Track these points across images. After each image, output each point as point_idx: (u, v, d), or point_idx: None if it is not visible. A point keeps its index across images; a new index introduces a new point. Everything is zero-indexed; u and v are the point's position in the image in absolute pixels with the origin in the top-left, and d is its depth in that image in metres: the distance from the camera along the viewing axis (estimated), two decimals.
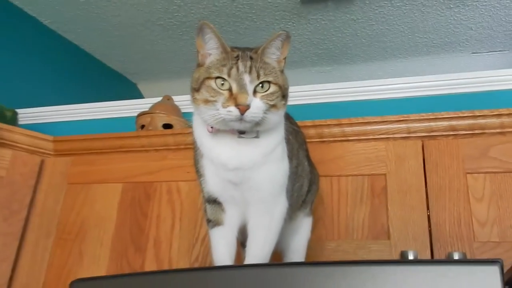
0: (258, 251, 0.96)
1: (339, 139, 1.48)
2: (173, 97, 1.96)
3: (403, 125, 1.43)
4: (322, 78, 3.11)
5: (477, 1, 2.40)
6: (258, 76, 0.89)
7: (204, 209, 1.04)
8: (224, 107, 0.87)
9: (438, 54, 2.87)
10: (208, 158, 0.98)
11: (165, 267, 1.45)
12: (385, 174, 1.38)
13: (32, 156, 1.67)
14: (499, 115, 1.37)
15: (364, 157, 1.42)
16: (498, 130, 1.37)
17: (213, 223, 1.01)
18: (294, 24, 2.69)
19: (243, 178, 0.94)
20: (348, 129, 1.47)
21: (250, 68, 0.89)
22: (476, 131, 1.39)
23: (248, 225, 0.99)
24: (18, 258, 1.56)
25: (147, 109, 1.88)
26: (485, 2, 2.40)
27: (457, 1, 2.41)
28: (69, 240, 1.57)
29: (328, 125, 1.48)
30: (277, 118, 0.93)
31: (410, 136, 1.42)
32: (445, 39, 2.73)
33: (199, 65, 0.96)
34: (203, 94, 0.90)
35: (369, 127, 1.45)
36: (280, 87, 0.92)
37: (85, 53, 2.99)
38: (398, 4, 2.47)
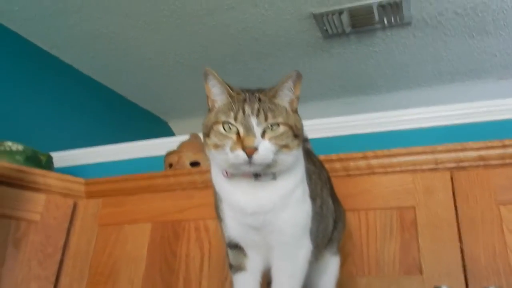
0: None
1: (365, 172, 1.46)
2: (200, 134, 1.99)
3: (430, 156, 1.40)
4: (347, 110, 3.10)
5: (500, 28, 2.39)
6: (266, 118, 0.88)
7: (226, 254, 1.03)
8: (232, 151, 0.86)
9: (463, 82, 2.86)
10: (226, 203, 0.97)
11: None
12: (414, 207, 1.36)
13: (65, 199, 1.71)
14: None
15: (392, 190, 1.40)
16: None
17: (236, 268, 0.99)
18: (317, 58, 2.73)
19: (263, 222, 0.93)
20: (374, 162, 1.45)
21: (258, 110, 0.88)
22: (507, 161, 1.34)
23: (272, 270, 0.97)
24: None
25: (175, 148, 1.92)
26: (508, 29, 2.39)
27: (480, 30, 2.41)
28: (101, 282, 1.59)
29: (354, 158, 1.47)
30: (291, 158, 0.90)
31: (438, 167, 1.39)
32: (470, 66, 2.72)
33: (210, 110, 0.96)
34: (213, 139, 0.90)
35: (395, 159, 1.43)
36: (291, 127, 0.90)
37: (118, 95, 3.14)
38: (420, 35, 2.48)
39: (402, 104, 2.96)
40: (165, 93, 3.15)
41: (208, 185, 1.57)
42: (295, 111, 0.95)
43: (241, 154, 0.85)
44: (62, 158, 2.23)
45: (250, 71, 2.84)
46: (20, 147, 1.81)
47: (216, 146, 0.90)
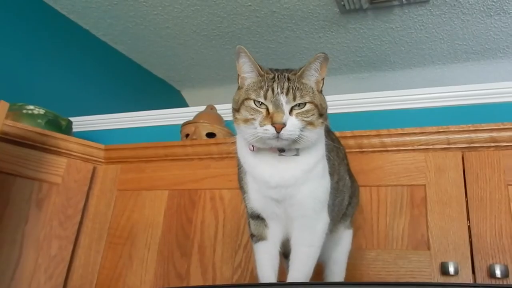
0: (301, 267, 0.99)
1: (378, 149, 1.50)
2: (215, 106, 2.03)
3: (442, 136, 1.44)
4: (360, 85, 3.13)
5: None
6: (295, 98, 0.92)
7: (248, 224, 1.08)
8: (261, 125, 0.91)
9: (477, 61, 2.85)
10: (251, 176, 1.01)
11: (209, 272, 1.52)
12: (424, 185, 1.40)
13: (85, 164, 1.77)
14: None
15: (404, 168, 1.44)
16: None
17: (257, 237, 1.04)
18: (333, 33, 2.73)
19: (285, 195, 0.97)
20: (387, 140, 1.49)
21: (287, 89, 0.92)
22: None
23: (291, 241, 1.02)
24: (73, 260, 1.67)
25: (191, 118, 1.95)
26: None
27: (497, 9, 2.39)
28: (119, 244, 1.66)
29: (368, 136, 1.51)
30: (314, 135, 0.95)
31: (450, 147, 1.43)
32: (485, 46, 2.70)
33: (240, 87, 1.00)
34: (243, 113, 0.94)
35: (408, 138, 1.47)
36: (316, 106, 0.94)
37: (133, 62, 3.16)
38: (437, 13, 2.47)
39: (415, 81, 2.97)
40: (180, 62, 3.16)
41: (224, 156, 1.65)
42: (320, 91, 0.99)
43: (270, 129, 0.89)
44: (80, 123, 2.28)
45: (266, 43, 2.85)
46: (41, 110, 1.86)
47: (246, 121, 0.94)
